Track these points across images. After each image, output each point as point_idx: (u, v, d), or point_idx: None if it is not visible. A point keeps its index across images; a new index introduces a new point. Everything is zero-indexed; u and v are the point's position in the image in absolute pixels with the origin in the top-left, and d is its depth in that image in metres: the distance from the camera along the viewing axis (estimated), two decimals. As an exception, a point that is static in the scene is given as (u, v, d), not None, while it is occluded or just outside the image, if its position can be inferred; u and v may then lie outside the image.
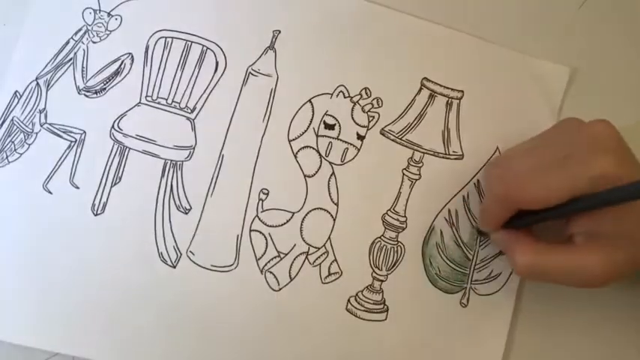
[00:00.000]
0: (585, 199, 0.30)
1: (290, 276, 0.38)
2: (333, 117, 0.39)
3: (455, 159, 0.40)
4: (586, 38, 0.41)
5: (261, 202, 0.38)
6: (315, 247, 0.38)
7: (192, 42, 0.38)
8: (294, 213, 0.38)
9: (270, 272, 0.38)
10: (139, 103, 0.37)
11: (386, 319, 0.39)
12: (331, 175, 0.39)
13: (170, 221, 0.37)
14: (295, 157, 0.38)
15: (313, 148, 0.39)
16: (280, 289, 0.38)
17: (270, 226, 0.38)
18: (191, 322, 0.37)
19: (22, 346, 0.36)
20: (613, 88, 0.40)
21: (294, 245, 0.38)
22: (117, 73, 0.37)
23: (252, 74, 0.38)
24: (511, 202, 0.32)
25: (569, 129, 0.33)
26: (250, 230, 0.38)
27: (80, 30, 0.37)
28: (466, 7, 0.40)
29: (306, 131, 0.39)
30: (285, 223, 0.38)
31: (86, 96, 0.37)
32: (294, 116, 0.39)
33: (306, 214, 0.38)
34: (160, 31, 0.38)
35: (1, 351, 0.36)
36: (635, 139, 0.31)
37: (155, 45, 0.37)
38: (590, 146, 0.30)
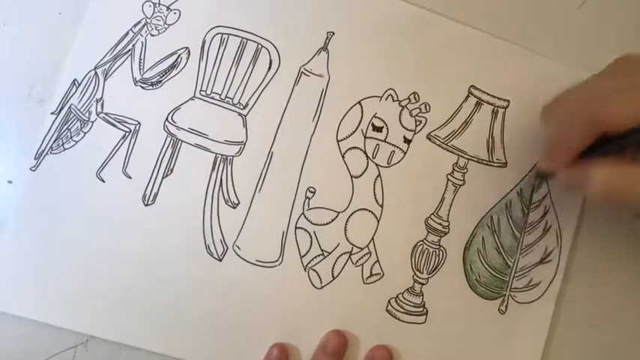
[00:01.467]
0: None
1: (333, 275, 0.38)
2: (382, 120, 0.39)
3: (498, 167, 0.40)
4: (586, 38, 0.41)
5: (307, 200, 0.38)
6: (359, 248, 0.39)
7: (247, 39, 0.38)
8: (339, 212, 0.39)
9: (314, 270, 0.38)
10: (193, 97, 0.38)
11: (425, 322, 0.39)
12: (377, 176, 0.39)
13: (218, 215, 0.38)
14: (343, 157, 0.39)
15: (361, 150, 0.39)
16: (323, 287, 0.38)
17: (316, 225, 0.39)
18: (234, 314, 0.37)
19: (60, 328, 0.36)
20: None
21: (338, 244, 0.39)
22: (173, 66, 0.37)
23: (305, 74, 0.39)
24: (596, 123, 0.30)
25: (634, 60, 0.32)
26: (296, 227, 0.38)
27: (139, 22, 0.38)
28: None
29: (354, 132, 0.39)
30: (330, 222, 0.39)
31: (142, 87, 0.37)
32: (343, 117, 0.39)
33: (351, 214, 0.39)
34: (217, 27, 0.38)
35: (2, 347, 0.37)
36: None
37: (211, 41, 0.38)
38: None
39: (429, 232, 0.39)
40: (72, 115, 0.37)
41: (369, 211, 0.39)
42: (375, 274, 0.39)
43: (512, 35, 0.40)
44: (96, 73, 0.37)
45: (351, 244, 0.39)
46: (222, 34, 0.38)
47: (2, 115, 0.37)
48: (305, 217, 0.38)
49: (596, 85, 0.31)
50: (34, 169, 0.37)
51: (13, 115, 0.37)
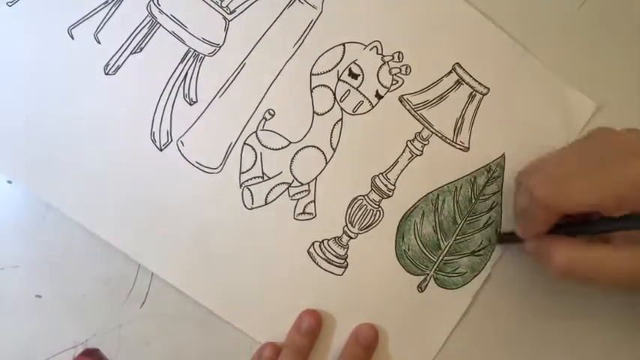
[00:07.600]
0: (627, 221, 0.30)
1: (266, 200, 0.38)
2: (360, 67, 0.39)
3: (459, 149, 0.40)
4: (585, 39, 0.41)
5: (264, 120, 0.38)
6: (299, 182, 0.38)
7: (254, -50, 0.38)
8: (291, 142, 0.38)
9: (249, 189, 0.38)
10: (185, -13, 0.38)
11: (342, 275, 0.39)
12: (339, 120, 0.39)
13: (173, 106, 0.37)
14: (311, 91, 0.39)
15: (330, 89, 0.39)
16: (252, 209, 0.38)
17: (264, 147, 0.38)
18: (157, 207, 0.37)
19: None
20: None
21: (280, 172, 0.38)
22: (174, -49, 0.37)
23: (299, 0, 0.39)
24: (557, 206, 0.31)
25: (600, 137, 0.33)
26: (244, 143, 0.38)
27: None
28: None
29: (329, 71, 0.39)
30: (279, 149, 0.38)
31: (138, -38, 0.37)
32: (323, 53, 0.39)
33: (302, 148, 0.39)
34: None
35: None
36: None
37: (219, -60, 0.38)
38: (626, 150, 0.30)
39: (372, 189, 0.39)
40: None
41: (321, 151, 0.39)
42: (308, 213, 0.38)
43: (512, 34, 0.40)
44: None
45: (293, 176, 0.38)
46: (232, -63, 0.38)
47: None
48: (257, 136, 0.38)
49: (562, 167, 0.33)
50: (10, 3, 0.37)
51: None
